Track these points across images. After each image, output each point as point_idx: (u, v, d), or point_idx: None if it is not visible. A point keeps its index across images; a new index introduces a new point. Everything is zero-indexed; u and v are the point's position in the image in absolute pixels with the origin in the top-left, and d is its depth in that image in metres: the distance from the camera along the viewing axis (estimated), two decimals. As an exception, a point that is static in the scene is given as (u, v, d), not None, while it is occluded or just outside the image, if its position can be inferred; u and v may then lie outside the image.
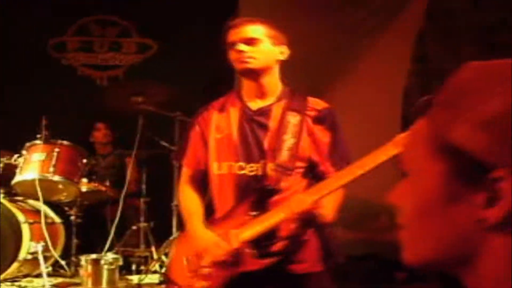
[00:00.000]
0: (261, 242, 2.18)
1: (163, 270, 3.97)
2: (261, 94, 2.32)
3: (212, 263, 2.19)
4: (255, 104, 2.32)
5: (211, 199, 2.37)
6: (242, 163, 2.25)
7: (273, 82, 2.34)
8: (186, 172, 2.44)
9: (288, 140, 2.23)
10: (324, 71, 5.45)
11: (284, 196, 2.22)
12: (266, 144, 2.26)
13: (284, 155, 2.22)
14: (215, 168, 2.31)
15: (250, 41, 2.27)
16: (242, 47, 2.26)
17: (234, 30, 2.30)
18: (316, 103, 2.33)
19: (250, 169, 2.24)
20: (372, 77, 5.53)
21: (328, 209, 2.20)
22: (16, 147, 4.30)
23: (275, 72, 2.34)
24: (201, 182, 2.42)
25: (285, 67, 2.39)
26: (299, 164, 2.26)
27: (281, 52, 2.33)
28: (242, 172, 2.24)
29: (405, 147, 0.77)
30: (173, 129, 4.43)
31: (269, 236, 2.18)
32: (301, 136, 2.24)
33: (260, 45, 2.27)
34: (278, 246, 2.20)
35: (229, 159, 2.28)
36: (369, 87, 5.53)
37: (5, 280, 3.84)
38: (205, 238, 2.23)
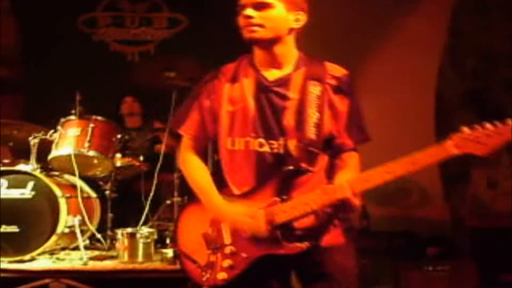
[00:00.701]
0: (292, 227, 2.05)
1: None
2: (276, 63, 2.15)
3: (236, 241, 2.10)
4: (271, 74, 2.15)
5: (218, 173, 2.23)
6: (261, 140, 2.11)
7: (287, 51, 2.16)
8: (187, 141, 2.27)
9: (313, 115, 2.08)
10: (358, 42, 5.38)
11: (313, 177, 2.10)
12: (286, 118, 2.10)
13: (311, 132, 2.08)
14: (229, 144, 2.16)
15: (261, 6, 2.07)
16: (250, 12, 2.08)
17: None
18: (335, 70, 2.17)
19: (271, 146, 2.10)
20: (406, 51, 5.46)
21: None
22: (50, 123, 4.34)
23: (289, 41, 2.16)
24: (204, 153, 2.29)
25: (304, 37, 2.21)
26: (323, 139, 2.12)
27: (297, 19, 2.13)
28: (262, 149, 2.11)
29: None
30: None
31: (300, 221, 2.05)
32: (324, 109, 2.10)
33: (271, 11, 2.08)
34: (309, 231, 2.07)
35: (246, 135, 2.13)
36: (403, 61, 5.46)
37: (44, 252, 3.91)
38: (232, 212, 2.11)
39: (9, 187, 3.92)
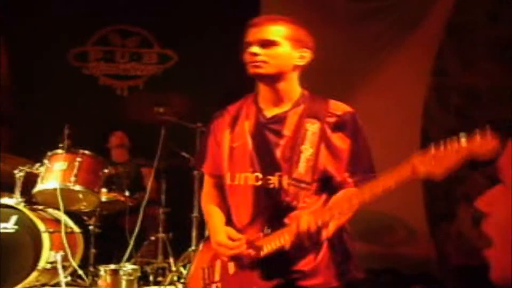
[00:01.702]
0: (269, 262, 2.07)
1: (181, 281, 3.99)
2: (277, 100, 2.19)
3: (223, 278, 2.15)
4: (270, 111, 2.19)
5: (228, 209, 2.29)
6: (258, 174, 2.14)
7: (290, 88, 2.19)
8: (208, 180, 2.37)
9: (306, 151, 2.09)
10: (341, 82, 5.44)
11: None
12: (279, 154, 2.13)
13: (301, 167, 2.08)
14: (229, 179, 2.21)
15: (267, 43, 2.12)
16: (255, 49, 2.12)
17: (252, 30, 2.16)
18: (337, 107, 2.17)
19: (267, 181, 2.12)
20: (390, 89, 5.52)
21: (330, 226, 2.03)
22: (37, 156, 4.34)
23: (293, 77, 2.19)
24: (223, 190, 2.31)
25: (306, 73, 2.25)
26: (317, 177, 2.11)
27: (302, 56, 2.17)
28: (259, 183, 2.14)
29: (504, 155, 0.74)
30: (194, 140, 4.44)
31: (278, 255, 2.05)
32: (320, 146, 2.10)
33: (276, 49, 2.12)
34: (285, 265, 2.10)
35: (245, 170, 2.17)
36: (388, 100, 5.51)
37: (24, 288, 3.87)
38: (220, 233, 2.16)
39: (-9, 220, 3.89)
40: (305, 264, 2.12)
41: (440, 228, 5.53)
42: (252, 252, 2.08)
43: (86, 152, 4.27)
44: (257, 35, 2.13)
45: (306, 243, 1.99)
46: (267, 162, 2.14)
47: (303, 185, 2.09)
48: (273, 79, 2.16)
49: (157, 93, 5.72)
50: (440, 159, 1.83)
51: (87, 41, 6.34)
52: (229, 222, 2.24)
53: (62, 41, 6.09)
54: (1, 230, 3.87)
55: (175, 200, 4.58)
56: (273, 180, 2.12)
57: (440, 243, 5.50)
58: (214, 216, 2.27)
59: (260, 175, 2.14)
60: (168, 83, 6.02)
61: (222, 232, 2.17)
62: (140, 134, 5.18)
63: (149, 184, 4.34)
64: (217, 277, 2.18)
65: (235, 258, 2.13)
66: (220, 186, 2.31)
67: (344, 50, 5.35)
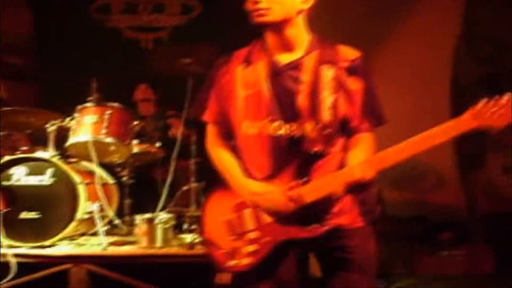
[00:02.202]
0: (313, 209, 2.07)
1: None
2: (287, 46, 2.15)
3: (259, 226, 2.13)
4: (283, 58, 2.15)
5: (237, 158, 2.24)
6: (277, 123, 2.11)
7: (298, 33, 2.16)
8: (211, 129, 2.31)
9: (327, 98, 2.08)
10: (371, 28, 5.36)
11: (330, 160, 2.11)
12: (300, 101, 2.10)
13: (326, 114, 2.07)
14: (245, 128, 2.17)
15: None
16: None
17: None
18: (348, 52, 2.17)
19: (287, 129, 2.11)
20: (419, 37, 5.43)
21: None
22: (66, 110, 4.37)
23: (299, 22, 2.15)
24: (228, 139, 2.28)
25: (318, 18, 2.20)
26: (338, 123, 2.12)
27: (304, 0, 2.13)
28: (278, 132, 2.11)
29: None
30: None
31: (320, 203, 2.07)
32: (338, 91, 2.09)
33: None
34: (328, 214, 2.10)
35: (262, 118, 2.13)
36: (417, 47, 5.42)
37: (64, 238, 3.95)
38: (255, 185, 2.13)
39: (28, 174, 3.95)
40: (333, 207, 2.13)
41: (469, 175, 5.52)
42: (292, 204, 2.07)
43: (115, 104, 4.27)
44: None
45: (357, 190, 2.03)
46: (287, 109, 2.11)
47: (329, 132, 2.09)
48: (279, 26, 2.12)
49: (182, 44, 5.70)
50: (496, 112, 1.88)
51: (109, -6, 6.30)
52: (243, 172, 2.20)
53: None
54: (38, 183, 3.92)
55: (205, 150, 4.58)
56: (294, 128, 2.11)
57: (470, 190, 5.50)
58: (232, 164, 2.22)
59: (280, 124, 2.12)
60: (193, 34, 5.98)
61: (252, 182, 2.15)
62: (167, 86, 5.17)
63: (179, 135, 4.35)
64: (250, 225, 2.16)
65: (274, 212, 2.11)
66: (225, 135, 2.27)
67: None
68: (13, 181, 3.94)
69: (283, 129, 2.11)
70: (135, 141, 4.36)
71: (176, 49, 4.81)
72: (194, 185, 4.32)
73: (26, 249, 3.78)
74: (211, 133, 2.32)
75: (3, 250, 3.67)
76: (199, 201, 4.34)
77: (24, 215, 3.88)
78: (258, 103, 2.14)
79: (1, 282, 3.54)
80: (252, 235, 2.15)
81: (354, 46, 2.24)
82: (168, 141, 4.74)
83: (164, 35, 6.22)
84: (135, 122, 4.35)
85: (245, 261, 2.15)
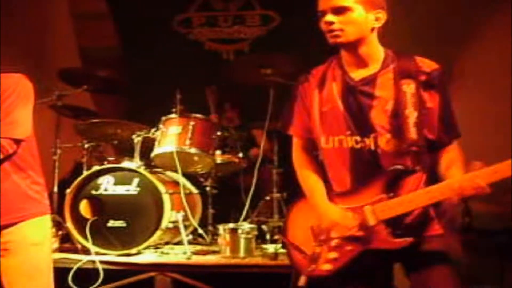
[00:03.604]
0: (397, 223, 2.10)
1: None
2: (362, 63, 2.20)
3: (342, 238, 2.16)
4: (358, 74, 2.20)
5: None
6: (357, 137, 2.17)
7: (372, 50, 2.20)
8: (297, 142, 2.39)
9: (412, 114, 2.09)
10: (444, 36, 5.18)
11: (416, 176, 2.12)
12: (373, 116, 2.14)
13: (412, 132, 2.09)
14: (323, 142, 2.25)
15: (339, 10, 2.11)
16: (330, 18, 2.12)
17: None
18: (425, 64, 2.17)
19: (365, 143, 2.16)
20: (498, 46, 5.17)
21: None
22: (151, 121, 4.47)
23: (372, 40, 2.19)
24: (312, 151, 2.36)
25: (396, 31, 2.25)
26: (423, 138, 2.12)
27: (377, 18, 2.17)
28: (357, 146, 2.16)
29: None
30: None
31: (403, 216, 2.11)
32: (419, 107, 2.10)
33: (350, 14, 2.12)
34: (411, 227, 2.13)
35: (339, 133, 2.20)
36: (495, 60, 5.17)
37: (149, 246, 4.03)
38: (333, 213, 2.19)
39: (115, 183, 4.07)
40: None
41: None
42: (361, 233, 2.12)
43: (199, 116, 4.34)
44: (328, 2, 2.14)
45: (456, 201, 2.02)
46: (361, 124, 2.16)
47: (416, 148, 2.10)
48: (354, 45, 2.17)
49: (263, 55, 5.72)
50: None
51: (189, 7, 6.43)
52: (324, 182, 2.28)
53: (165, 8, 6.21)
54: (125, 192, 4.03)
55: (287, 160, 4.57)
56: (369, 142, 2.15)
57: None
58: (316, 187, 2.28)
59: (359, 138, 2.17)
60: (273, 44, 6.01)
61: (333, 210, 2.20)
62: (248, 96, 5.20)
63: (262, 145, 4.37)
64: (333, 233, 2.19)
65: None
66: (309, 149, 2.36)
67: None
68: (101, 191, 4.06)
69: (360, 144, 2.17)
70: (218, 152, 4.39)
71: (255, 60, 4.81)
72: (276, 195, 4.31)
73: (113, 256, 3.88)
74: (297, 147, 2.41)
75: (92, 257, 3.79)
76: (281, 211, 4.33)
77: (112, 223, 3.99)
78: (335, 119, 2.21)
79: (90, 288, 3.65)
80: (334, 242, 2.19)
81: (431, 52, 2.23)
82: (250, 151, 4.76)
83: (245, 46, 6.30)
84: (218, 133, 4.39)
85: (325, 267, 2.20)
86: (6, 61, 2.87)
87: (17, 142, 2.47)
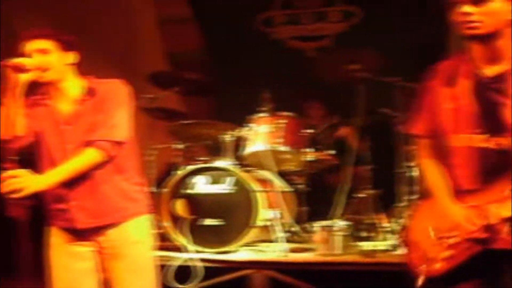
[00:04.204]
0: None
1: (393, 237, 3.97)
2: (494, 58, 2.09)
3: (463, 238, 2.10)
4: (490, 70, 2.10)
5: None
6: (485, 136, 2.09)
7: (506, 45, 2.08)
8: (423, 142, 2.34)
9: None
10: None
11: None
12: (506, 114, 2.05)
13: None
14: (451, 140, 2.18)
15: (479, 0, 2.02)
16: (468, 8, 2.02)
17: None
18: None
19: (496, 142, 2.07)
20: None
21: None
22: (238, 121, 4.52)
23: (507, 33, 2.08)
24: (440, 151, 2.28)
25: None
26: None
27: None
28: (486, 145, 2.09)
29: None
30: (391, 95, 4.33)
31: None
32: None
33: (490, 5, 2.01)
34: None
35: (470, 131, 2.12)
36: None
37: (245, 244, 4.08)
38: (457, 213, 2.13)
39: (209, 183, 4.15)
40: None
41: None
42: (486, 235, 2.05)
43: (288, 114, 4.37)
44: None
45: None
46: (492, 122, 2.08)
47: None
48: (490, 38, 2.07)
49: (347, 51, 5.68)
50: None
51: (271, 6, 6.47)
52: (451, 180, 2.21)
53: (247, 8, 6.27)
54: (219, 191, 4.10)
55: (378, 157, 4.53)
56: (499, 141, 2.07)
57: None
58: (439, 184, 2.23)
59: (487, 137, 2.09)
60: (356, 40, 5.94)
61: (458, 210, 2.13)
62: (334, 93, 5.18)
63: (353, 142, 4.34)
64: (456, 233, 2.14)
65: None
66: (436, 147, 2.28)
67: None
68: (196, 190, 4.16)
69: (491, 142, 2.09)
70: (309, 149, 4.40)
71: (340, 56, 4.78)
72: (370, 192, 4.27)
73: (210, 254, 3.96)
74: (422, 147, 2.35)
75: (190, 255, 3.88)
76: (375, 208, 4.29)
77: (207, 222, 4.07)
78: (464, 116, 2.14)
79: (190, 285, 3.74)
80: (451, 240, 2.14)
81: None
82: (340, 148, 4.73)
83: (328, 43, 6.27)
84: (308, 131, 4.39)
85: (438, 265, 2.16)
86: (99, 67, 2.98)
87: (119, 144, 2.55)
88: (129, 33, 6.28)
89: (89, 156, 2.49)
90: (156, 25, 6.52)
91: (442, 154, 2.26)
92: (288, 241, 4.08)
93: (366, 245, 3.92)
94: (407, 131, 2.41)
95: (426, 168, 2.33)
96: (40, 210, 2.70)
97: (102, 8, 6.11)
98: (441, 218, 2.20)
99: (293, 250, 3.99)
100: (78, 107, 2.58)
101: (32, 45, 2.51)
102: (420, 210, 2.37)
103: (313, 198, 4.51)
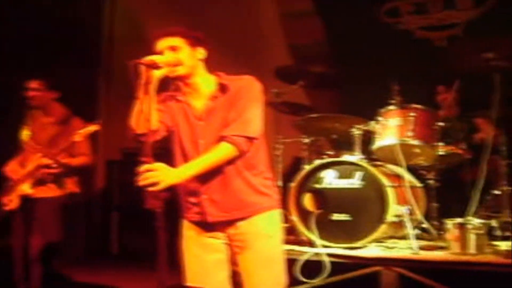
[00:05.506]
0: None
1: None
2: None
3: None
4: None
5: None
6: None
7: None
8: None
9: None
10: None
11: None
12: None
13: None
14: None
15: None
16: None
17: None
18: None
19: None
20: None
21: None
22: (364, 114, 4.44)
23: None
24: None
25: None
26: None
27: None
28: None
29: None
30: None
31: None
32: None
33: None
34: None
35: None
36: None
37: (373, 240, 4.01)
38: None
39: (338, 177, 4.12)
40: None
41: None
42: None
43: (419, 106, 4.22)
44: None
45: None
46: None
47: None
48: None
49: (479, 39, 5.40)
50: None
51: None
52: None
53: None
54: (348, 186, 4.06)
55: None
56: None
57: None
58: None
59: None
60: (489, 27, 5.62)
61: None
62: (468, 83, 4.93)
63: (489, 135, 4.10)
64: None
65: None
66: None
67: None
68: (324, 184, 4.14)
69: None
70: (440, 143, 4.23)
71: (473, 45, 4.54)
72: (506, 188, 4.03)
73: (338, 249, 3.92)
74: None
75: (318, 250, 3.87)
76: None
77: (336, 217, 4.04)
78: None
79: (316, 280, 3.73)
80: None
81: None
82: (474, 141, 4.51)
83: (458, 31, 5.99)
84: (439, 124, 4.22)
85: None
86: (228, 64, 3.03)
87: (251, 140, 2.59)
88: (254, 30, 6.38)
89: (222, 151, 2.55)
90: (278, 21, 6.56)
91: None
92: (418, 238, 3.95)
93: (503, 245, 3.69)
94: None
95: None
96: (173, 203, 2.80)
97: (228, 7, 6.28)
98: None
99: (423, 248, 3.86)
100: (211, 103, 2.65)
101: (163, 43, 2.61)
102: None
103: (444, 194, 4.33)
